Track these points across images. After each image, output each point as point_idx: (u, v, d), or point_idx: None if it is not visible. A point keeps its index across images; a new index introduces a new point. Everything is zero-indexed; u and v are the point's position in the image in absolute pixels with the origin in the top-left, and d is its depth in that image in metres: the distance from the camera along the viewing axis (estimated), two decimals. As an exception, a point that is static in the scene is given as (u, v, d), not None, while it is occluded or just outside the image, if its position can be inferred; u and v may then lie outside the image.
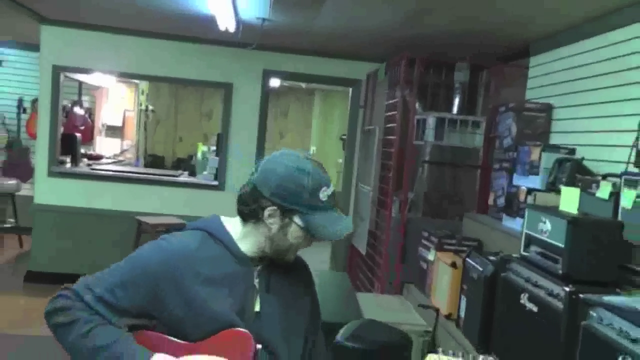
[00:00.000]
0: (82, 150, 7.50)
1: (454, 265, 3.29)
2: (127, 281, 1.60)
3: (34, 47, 6.32)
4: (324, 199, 1.62)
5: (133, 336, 1.61)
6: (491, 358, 1.63)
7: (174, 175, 6.84)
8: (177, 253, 1.64)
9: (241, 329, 1.60)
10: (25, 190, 7.32)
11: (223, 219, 1.76)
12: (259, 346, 1.62)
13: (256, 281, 1.69)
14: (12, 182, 7.25)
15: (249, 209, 1.65)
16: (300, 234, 1.64)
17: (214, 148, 7.18)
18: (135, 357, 1.54)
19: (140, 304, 1.60)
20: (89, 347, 1.54)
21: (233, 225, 1.72)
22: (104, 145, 9.30)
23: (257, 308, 1.67)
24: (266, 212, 1.62)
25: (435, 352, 1.63)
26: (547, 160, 3.23)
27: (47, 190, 6.01)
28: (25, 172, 7.65)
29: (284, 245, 1.67)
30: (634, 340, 1.62)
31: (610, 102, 3.17)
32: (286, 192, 1.60)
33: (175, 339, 1.61)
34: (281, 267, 1.75)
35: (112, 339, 1.55)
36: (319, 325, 1.89)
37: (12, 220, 7.29)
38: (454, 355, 1.62)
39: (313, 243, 1.72)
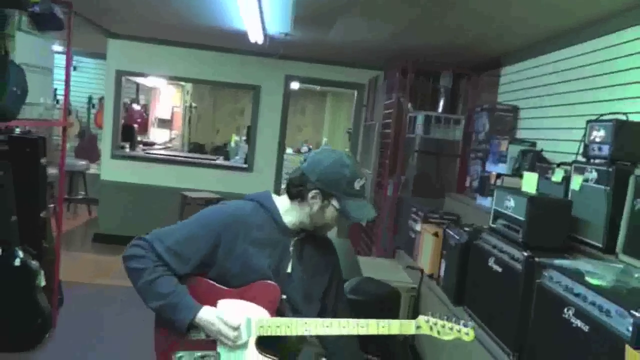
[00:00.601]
0: (139, 138, 7.57)
1: (436, 234, 3.30)
2: (193, 235, 1.61)
3: (101, 55, 6.34)
4: (357, 188, 1.63)
5: (187, 284, 1.63)
6: (471, 323, 1.62)
7: (212, 159, 6.90)
8: (234, 216, 1.66)
9: (272, 282, 1.62)
10: (93, 169, 7.40)
11: (273, 195, 1.75)
12: (284, 296, 1.65)
13: (291, 249, 1.70)
14: (83, 162, 7.31)
15: (297, 190, 1.65)
16: (335, 214, 1.65)
17: (244, 138, 7.21)
18: (186, 308, 1.57)
19: (201, 255, 1.61)
20: (153, 292, 1.56)
21: (281, 201, 1.72)
22: (156, 135, 9.34)
23: (288, 270, 1.69)
24: (310, 194, 1.63)
25: (425, 314, 1.62)
26: (513, 151, 3.22)
27: (110, 169, 6.06)
28: (93, 155, 7.72)
29: (320, 222, 1.68)
30: (576, 295, 1.65)
31: (565, 105, 3.15)
32: (328, 179, 1.61)
33: (221, 285, 1.64)
34: (313, 243, 1.75)
35: (171, 289, 1.57)
36: (342, 292, 1.88)
37: (82, 192, 7.36)
38: (440, 317, 1.62)
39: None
